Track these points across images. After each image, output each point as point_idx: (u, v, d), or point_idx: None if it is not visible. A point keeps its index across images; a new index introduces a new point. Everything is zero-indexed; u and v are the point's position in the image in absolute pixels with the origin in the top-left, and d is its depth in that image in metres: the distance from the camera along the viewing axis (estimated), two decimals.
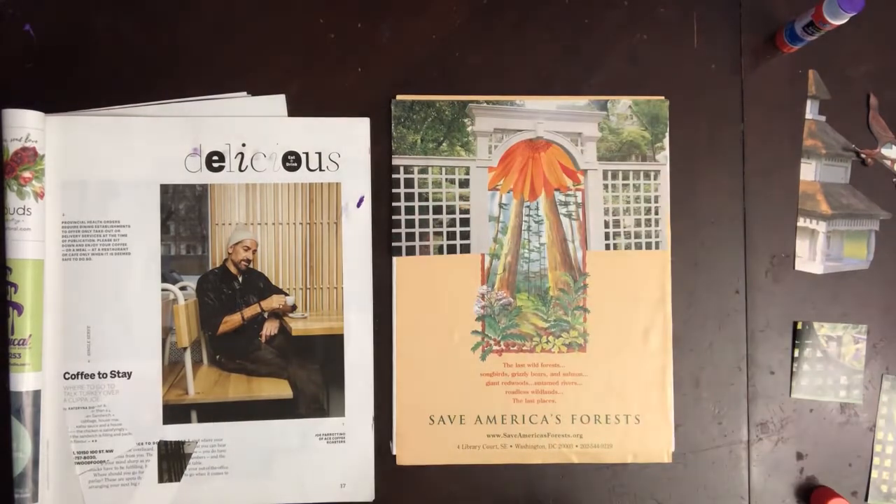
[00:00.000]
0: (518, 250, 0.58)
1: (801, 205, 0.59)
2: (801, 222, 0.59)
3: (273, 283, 0.56)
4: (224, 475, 0.55)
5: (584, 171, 0.58)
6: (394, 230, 0.57)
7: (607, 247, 0.58)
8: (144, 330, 0.55)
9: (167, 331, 0.55)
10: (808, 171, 0.60)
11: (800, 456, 0.58)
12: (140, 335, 0.55)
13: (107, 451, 0.54)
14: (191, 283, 0.55)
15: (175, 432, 0.55)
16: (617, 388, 0.57)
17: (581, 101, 0.58)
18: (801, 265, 0.59)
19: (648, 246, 0.58)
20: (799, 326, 0.58)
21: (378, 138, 0.57)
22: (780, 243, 0.59)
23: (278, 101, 0.57)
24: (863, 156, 0.60)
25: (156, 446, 0.55)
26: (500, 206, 0.58)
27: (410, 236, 0.57)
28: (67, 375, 0.54)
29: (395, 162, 0.57)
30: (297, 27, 0.58)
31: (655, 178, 0.59)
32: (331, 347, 0.56)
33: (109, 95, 0.56)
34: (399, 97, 0.57)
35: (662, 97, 0.59)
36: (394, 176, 0.57)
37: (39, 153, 0.53)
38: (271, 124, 0.56)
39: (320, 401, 0.56)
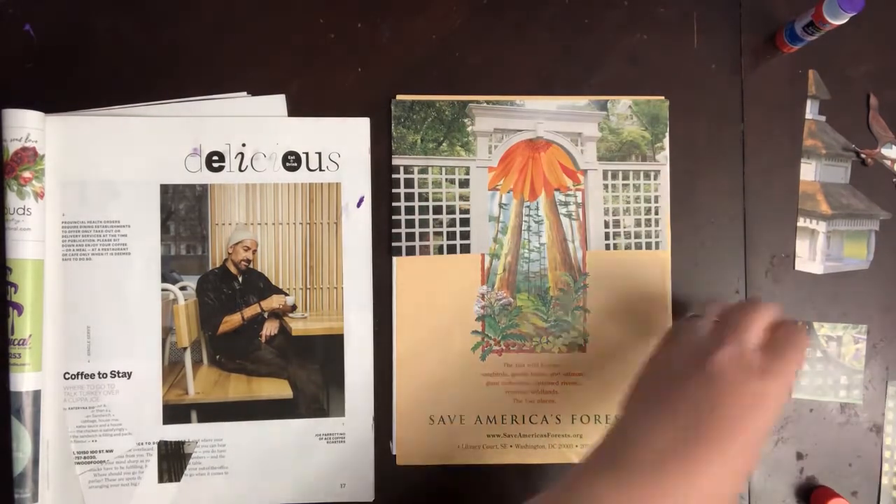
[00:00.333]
0: (518, 250, 0.58)
1: (801, 205, 0.59)
2: (801, 222, 0.59)
3: (273, 283, 0.56)
4: (224, 475, 0.55)
5: (584, 171, 0.58)
6: (394, 230, 0.57)
7: (607, 247, 0.58)
8: (144, 330, 0.55)
9: (167, 331, 0.55)
10: (808, 171, 0.60)
11: (800, 456, 0.58)
12: (140, 335, 0.55)
13: (107, 451, 0.54)
14: (191, 283, 0.55)
15: (175, 432, 0.55)
16: (617, 388, 0.57)
17: (581, 101, 0.58)
18: (801, 265, 0.59)
19: (648, 246, 0.58)
20: None
21: (378, 138, 0.57)
22: (780, 243, 0.59)
23: (278, 101, 0.57)
24: (863, 156, 0.60)
25: (156, 446, 0.55)
26: (500, 206, 0.58)
27: (410, 236, 0.57)
28: (67, 375, 0.54)
29: (395, 162, 0.57)
30: (297, 27, 0.58)
31: (655, 178, 0.59)
32: (331, 347, 0.56)
33: (109, 95, 0.56)
34: (399, 97, 0.57)
35: (662, 97, 0.59)
36: (394, 176, 0.57)
37: (39, 153, 0.53)
38: (271, 124, 0.56)
39: (320, 401, 0.56)
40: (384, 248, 0.57)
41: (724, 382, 0.42)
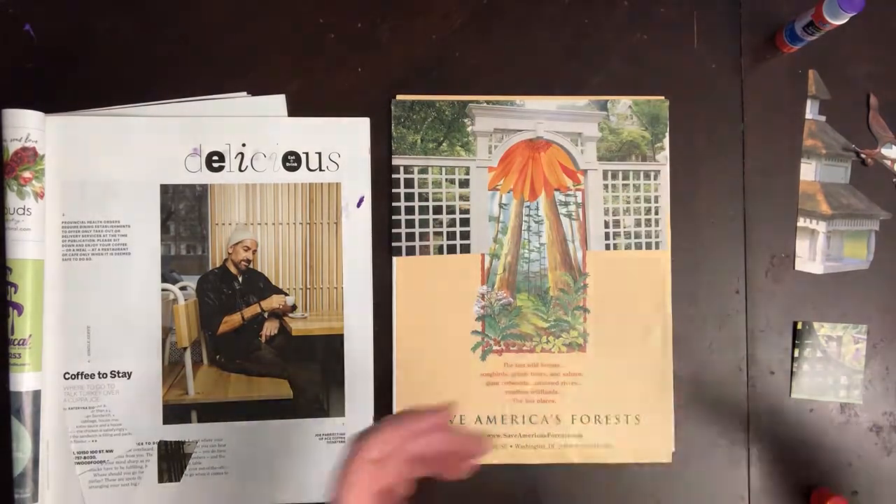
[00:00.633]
0: (518, 250, 0.58)
1: (801, 205, 0.59)
2: (801, 222, 0.59)
3: (273, 283, 0.56)
4: (224, 475, 0.55)
5: (584, 171, 0.58)
6: (394, 230, 0.57)
7: (607, 247, 0.58)
8: (144, 330, 0.55)
9: (167, 331, 0.55)
10: (808, 171, 0.60)
11: (800, 456, 0.58)
12: (140, 335, 0.55)
13: (107, 451, 0.54)
14: (191, 283, 0.55)
15: (175, 432, 0.55)
16: (617, 388, 0.57)
17: (581, 101, 0.58)
18: (801, 265, 0.59)
19: (648, 246, 0.58)
20: (799, 326, 0.58)
21: (378, 138, 0.57)
22: (780, 243, 0.59)
23: (278, 101, 0.57)
24: (863, 156, 0.60)
25: (156, 446, 0.55)
26: (500, 206, 0.58)
27: (410, 236, 0.57)
28: (67, 375, 0.54)
29: (395, 162, 0.57)
30: (297, 27, 0.58)
31: (655, 178, 0.59)
32: (331, 347, 0.56)
33: (109, 95, 0.56)
34: (399, 97, 0.57)
35: (662, 97, 0.59)
36: (394, 176, 0.57)
37: (39, 153, 0.53)
38: (271, 124, 0.56)
39: (320, 401, 0.56)
40: (384, 248, 0.57)
41: None
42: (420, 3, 0.58)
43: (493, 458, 0.57)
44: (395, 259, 0.57)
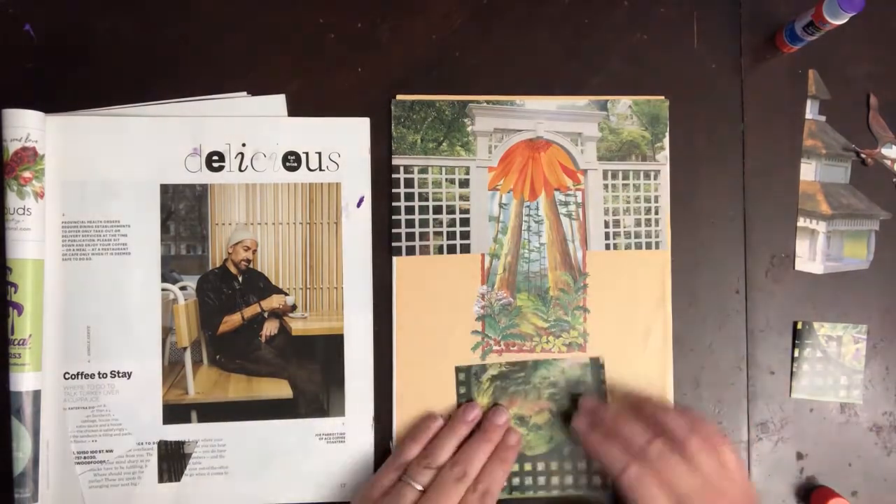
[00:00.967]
0: (518, 250, 0.58)
1: (801, 205, 0.59)
2: (801, 222, 0.59)
3: (273, 283, 0.56)
4: (224, 475, 0.55)
5: (584, 171, 0.58)
6: (394, 230, 0.57)
7: (607, 247, 0.58)
8: (144, 330, 0.55)
9: (167, 331, 0.55)
10: (808, 171, 0.60)
11: (800, 456, 0.58)
12: (140, 335, 0.55)
13: (107, 451, 0.54)
14: (191, 283, 0.55)
15: (175, 432, 0.55)
16: (617, 388, 0.57)
17: (581, 101, 0.58)
18: (801, 265, 0.59)
19: (648, 246, 0.58)
20: (799, 326, 0.59)
21: (378, 138, 0.57)
22: (780, 243, 0.59)
23: (278, 101, 0.57)
24: (863, 156, 0.60)
25: (156, 446, 0.55)
26: (500, 206, 0.58)
27: (410, 236, 0.57)
28: (67, 375, 0.54)
29: (395, 162, 0.57)
30: (297, 27, 0.58)
31: (655, 178, 0.59)
32: (331, 347, 0.56)
33: (109, 95, 0.56)
34: (399, 97, 0.57)
35: (662, 97, 0.59)
36: (394, 176, 0.57)
37: (39, 153, 0.53)
38: (271, 124, 0.56)
39: (320, 401, 0.56)
40: (384, 248, 0.57)
41: None
42: (420, 3, 0.58)
43: None
44: (395, 259, 0.57)
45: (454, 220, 0.57)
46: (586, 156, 0.58)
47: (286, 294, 0.56)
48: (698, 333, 0.58)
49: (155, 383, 0.55)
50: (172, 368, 0.55)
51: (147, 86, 0.56)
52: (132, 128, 0.55)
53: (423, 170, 0.57)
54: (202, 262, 0.56)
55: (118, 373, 0.54)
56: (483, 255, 0.57)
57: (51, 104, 0.54)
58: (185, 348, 0.55)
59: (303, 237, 0.56)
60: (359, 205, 0.57)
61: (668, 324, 0.58)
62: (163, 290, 0.55)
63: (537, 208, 0.58)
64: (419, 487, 0.49)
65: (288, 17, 0.58)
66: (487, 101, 0.58)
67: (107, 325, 0.54)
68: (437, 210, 0.57)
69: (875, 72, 0.60)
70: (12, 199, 0.52)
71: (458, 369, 0.56)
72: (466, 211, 0.57)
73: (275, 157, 0.56)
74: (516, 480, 0.56)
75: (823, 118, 0.60)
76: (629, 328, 0.58)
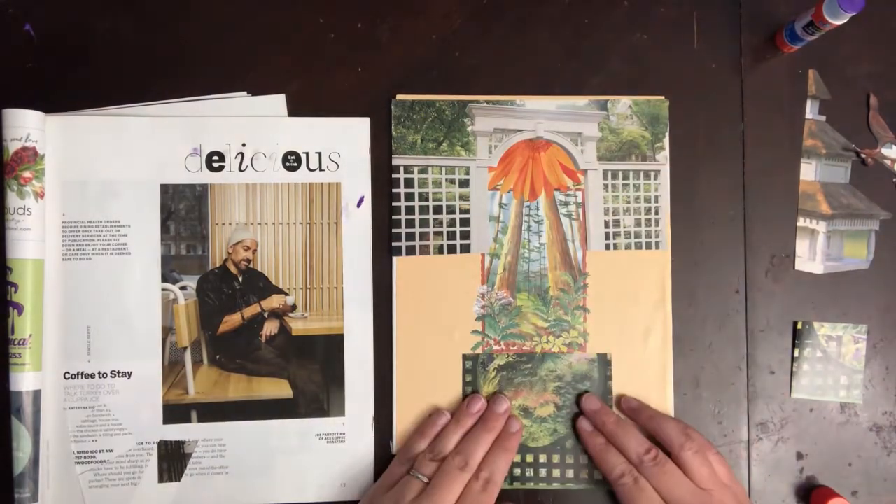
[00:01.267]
0: (518, 250, 0.58)
1: (801, 205, 0.59)
2: (801, 222, 0.59)
3: (273, 282, 0.56)
4: (224, 475, 0.55)
5: (584, 171, 0.58)
6: (394, 230, 0.57)
7: (607, 247, 0.58)
8: (144, 330, 0.55)
9: (167, 331, 0.55)
10: (808, 171, 0.60)
11: (800, 456, 0.58)
12: (140, 335, 0.55)
13: (107, 451, 0.54)
14: (191, 282, 0.55)
15: (175, 432, 0.55)
16: (616, 388, 0.57)
17: (581, 101, 0.58)
18: (801, 265, 0.59)
19: (648, 246, 0.58)
20: (799, 326, 0.59)
21: (378, 138, 0.57)
22: (780, 243, 0.59)
23: (278, 101, 0.57)
24: (863, 156, 0.60)
25: (156, 446, 0.55)
26: (500, 205, 0.58)
27: (410, 236, 0.57)
28: (67, 375, 0.54)
29: (395, 162, 0.57)
30: (297, 27, 0.58)
31: (655, 178, 0.59)
32: (331, 347, 0.56)
33: (109, 95, 0.56)
34: (399, 97, 0.57)
35: (662, 97, 0.59)
36: (394, 176, 0.57)
37: (39, 153, 0.53)
38: (271, 124, 0.56)
39: (320, 401, 0.56)
40: (384, 248, 0.57)
41: None
42: (420, 3, 0.58)
43: None
44: (395, 259, 0.57)
45: (454, 220, 0.57)
46: (586, 156, 0.58)
47: (286, 294, 0.56)
48: (698, 333, 0.58)
49: (155, 383, 0.55)
50: (172, 368, 0.55)
51: (147, 86, 0.56)
52: (132, 128, 0.55)
53: (423, 170, 0.57)
54: (202, 262, 0.56)
55: (118, 373, 0.54)
56: (483, 255, 0.57)
57: (51, 104, 0.54)
58: (185, 348, 0.55)
59: (303, 237, 0.56)
60: (359, 205, 0.57)
61: (668, 324, 0.58)
62: (163, 290, 0.55)
63: (537, 208, 0.58)
64: (424, 479, 0.50)
65: (288, 17, 0.58)
66: (487, 101, 0.58)
67: (107, 325, 0.54)
68: (437, 210, 0.57)
69: (875, 72, 0.60)
70: (12, 199, 0.52)
71: (465, 357, 0.56)
72: (466, 211, 0.57)
73: (275, 157, 0.56)
74: (517, 471, 0.56)
75: (823, 118, 0.60)
76: (629, 328, 0.58)
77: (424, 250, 0.57)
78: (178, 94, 0.56)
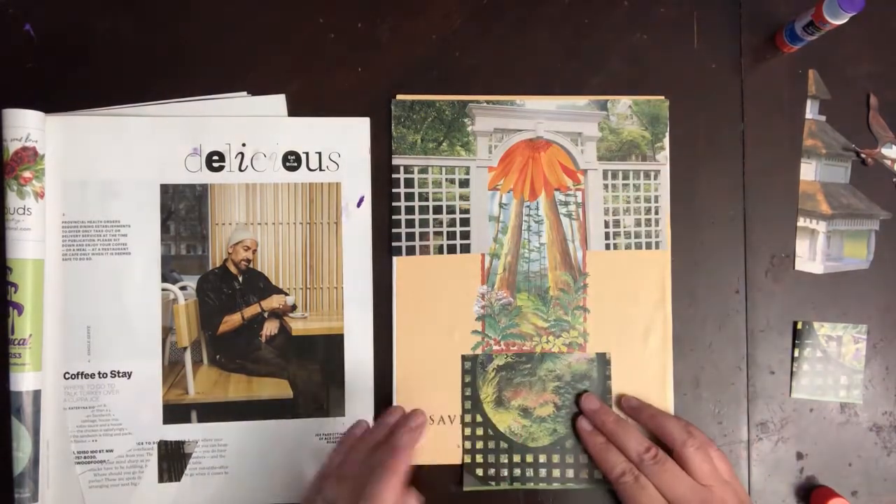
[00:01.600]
0: (518, 250, 0.58)
1: (801, 205, 0.59)
2: (801, 222, 0.59)
3: (273, 282, 0.56)
4: (224, 475, 0.55)
5: (584, 171, 0.58)
6: (394, 230, 0.57)
7: (607, 247, 0.58)
8: (144, 330, 0.55)
9: (167, 331, 0.55)
10: (808, 171, 0.60)
11: (800, 456, 0.58)
12: (140, 335, 0.55)
13: (107, 451, 0.54)
14: (191, 282, 0.55)
15: (175, 432, 0.55)
16: (616, 388, 0.57)
17: (581, 101, 0.58)
18: (801, 265, 0.59)
19: (648, 246, 0.58)
20: (799, 326, 0.59)
21: (378, 138, 0.57)
22: (780, 243, 0.59)
23: (278, 101, 0.57)
24: (863, 156, 0.60)
25: (156, 446, 0.55)
26: (500, 205, 0.58)
27: (410, 236, 0.57)
28: (67, 375, 0.54)
29: (395, 162, 0.57)
30: (297, 27, 0.58)
31: (655, 178, 0.59)
32: (331, 347, 0.56)
33: (109, 95, 0.56)
34: (399, 97, 0.57)
35: (662, 97, 0.59)
36: (394, 176, 0.57)
37: (39, 153, 0.53)
38: (271, 124, 0.56)
39: (320, 401, 0.56)
40: (384, 248, 0.57)
41: None
42: (420, 3, 0.58)
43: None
44: (395, 259, 0.57)
45: (454, 220, 0.57)
46: (586, 156, 0.58)
47: (286, 294, 0.56)
48: (698, 333, 0.58)
49: (155, 383, 0.55)
50: (172, 368, 0.55)
51: (147, 86, 0.56)
52: (132, 128, 0.55)
53: (423, 170, 0.57)
54: (202, 262, 0.56)
55: (118, 373, 0.54)
56: (483, 255, 0.57)
57: (51, 104, 0.54)
58: (185, 348, 0.55)
59: (303, 237, 0.56)
60: (359, 205, 0.57)
61: (668, 324, 0.58)
62: (163, 290, 0.55)
63: (537, 208, 0.58)
64: None
65: (288, 17, 0.58)
66: (487, 101, 0.58)
67: (107, 325, 0.54)
68: (437, 210, 0.57)
69: (875, 72, 0.60)
70: (12, 199, 0.52)
71: (464, 357, 0.56)
72: (466, 211, 0.57)
73: (275, 156, 0.56)
74: (517, 471, 0.56)
75: (823, 118, 0.60)
76: (629, 328, 0.58)
77: (424, 250, 0.57)
78: (178, 94, 0.56)
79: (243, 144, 0.56)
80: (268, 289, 0.56)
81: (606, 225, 0.58)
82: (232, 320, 0.56)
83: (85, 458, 0.54)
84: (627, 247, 0.58)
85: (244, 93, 0.57)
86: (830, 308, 0.59)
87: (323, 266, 0.57)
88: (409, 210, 0.57)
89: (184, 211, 0.56)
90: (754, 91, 0.60)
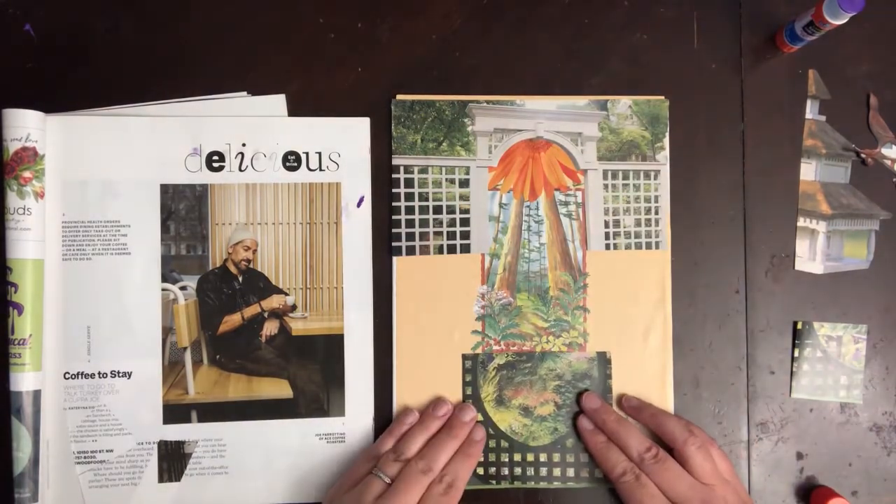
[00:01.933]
0: (518, 250, 0.58)
1: (801, 205, 0.59)
2: (801, 222, 0.59)
3: (273, 282, 0.56)
4: (224, 475, 0.55)
5: (584, 171, 0.58)
6: (394, 230, 0.57)
7: (607, 247, 0.58)
8: (144, 330, 0.55)
9: (167, 331, 0.55)
10: (808, 171, 0.60)
11: (800, 456, 0.58)
12: (140, 335, 0.55)
13: (107, 451, 0.54)
14: (191, 282, 0.55)
15: (175, 432, 0.55)
16: (616, 388, 0.57)
17: (581, 101, 0.58)
18: (801, 265, 0.59)
19: (648, 246, 0.58)
20: (799, 326, 0.59)
21: (378, 138, 0.57)
22: (780, 243, 0.59)
23: (278, 101, 0.57)
24: (863, 156, 0.60)
25: (156, 446, 0.55)
26: (500, 205, 0.58)
27: (410, 236, 0.57)
28: (67, 375, 0.54)
29: (395, 162, 0.57)
30: (297, 27, 0.58)
31: (655, 178, 0.59)
32: (331, 347, 0.56)
33: (109, 95, 0.56)
34: (399, 97, 0.57)
35: (662, 97, 0.59)
36: (394, 176, 0.57)
37: (39, 153, 0.53)
38: (271, 124, 0.56)
39: (320, 401, 0.56)
40: (384, 248, 0.57)
41: None
42: (420, 3, 0.58)
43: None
44: (395, 259, 0.57)
45: (454, 219, 0.57)
46: (586, 156, 0.58)
47: (286, 294, 0.56)
48: (698, 333, 0.58)
49: (155, 383, 0.55)
50: (172, 368, 0.55)
51: (147, 86, 0.56)
52: (132, 128, 0.55)
53: (423, 170, 0.57)
54: (202, 262, 0.56)
55: (118, 373, 0.54)
56: (483, 255, 0.57)
57: (51, 104, 0.54)
58: (185, 348, 0.55)
59: (303, 237, 0.56)
60: (359, 205, 0.57)
61: (668, 324, 0.58)
62: (163, 290, 0.55)
63: (537, 208, 0.58)
64: (387, 480, 0.50)
65: (288, 17, 0.58)
66: (487, 101, 0.58)
67: (107, 325, 0.54)
68: (437, 210, 0.57)
69: (875, 72, 0.60)
70: (12, 199, 0.52)
71: (464, 357, 0.56)
72: (466, 211, 0.57)
73: (275, 157, 0.56)
74: (518, 470, 0.56)
75: (823, 118, 0.60)
76: (629, 328, 0.58)
77: (424, 250, 0.57)
78: (178, 94, 0.56)
79: (243, 144, 0.56)
80: (268, 289, 0.56)
81: (606, 225, 0.58)
82: (232, 320, 0.56)
83: (85, 458, 0.54)
84: (627, 247, 0.58)
85: (244, 93, 0.57)
86: (830, 308, 0.59)
87: (323, 266, 0.57)
88: (409, 210, 0.57)
89: (184, 211, 0.56)
90: (754, 91, 0.60)
